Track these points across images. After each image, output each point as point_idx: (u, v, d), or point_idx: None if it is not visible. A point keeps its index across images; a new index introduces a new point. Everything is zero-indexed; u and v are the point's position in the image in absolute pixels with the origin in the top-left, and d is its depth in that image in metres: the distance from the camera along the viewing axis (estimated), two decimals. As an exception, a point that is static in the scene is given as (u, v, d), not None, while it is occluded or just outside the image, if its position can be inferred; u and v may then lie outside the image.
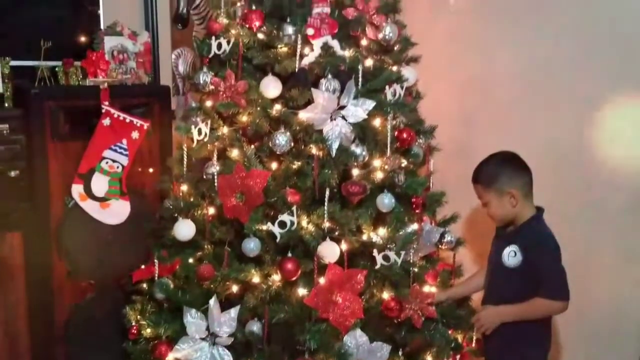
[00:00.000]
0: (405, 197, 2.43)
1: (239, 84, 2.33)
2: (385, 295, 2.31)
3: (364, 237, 2.30)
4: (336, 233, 2.25)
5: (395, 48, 2.55)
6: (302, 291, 2.23)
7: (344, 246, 2.24)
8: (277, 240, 2.21)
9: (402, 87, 2.40)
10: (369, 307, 2.29)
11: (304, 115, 2.26)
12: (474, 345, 2.54)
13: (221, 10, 2.44)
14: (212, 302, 2.23)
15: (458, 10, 3.20)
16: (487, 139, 2.97)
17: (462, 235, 2.67)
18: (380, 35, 2.45)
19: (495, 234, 2.49)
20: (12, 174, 2.54)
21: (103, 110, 2.66)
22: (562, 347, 2.85)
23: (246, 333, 2.27)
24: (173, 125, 2.88)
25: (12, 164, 2.54)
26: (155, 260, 2.46)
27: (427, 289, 2.40)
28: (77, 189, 2.66)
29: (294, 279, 2.22)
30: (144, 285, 2.54)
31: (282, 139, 2.25)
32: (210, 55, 2.39)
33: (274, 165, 2.33)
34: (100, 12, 2.97)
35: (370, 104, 2.28)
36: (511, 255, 2.33)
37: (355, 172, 2.29)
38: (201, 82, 2.38)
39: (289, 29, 2.34)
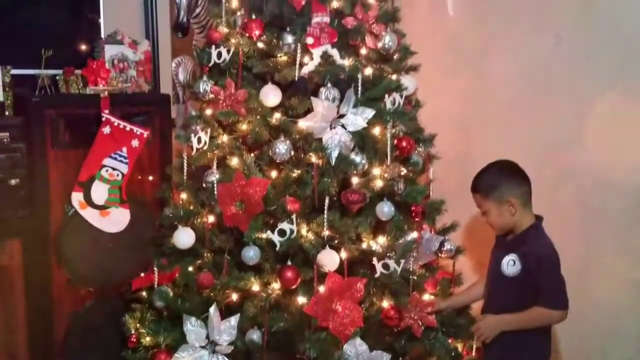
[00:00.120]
0: (405, 206, 2.44)
1: (238, 92, 2.34)
2: (385, 303, 2.31)
3: (364, 246, 2.30)
4: (336, 241, 2.25)
5: (395, 57, 2.56)
6: (301, 299, 2.23)
7: (344, 254, 2.24)
8: (277, 248, 2.22)
9: (401, 96, 2.42)
10: (368, 316, 2.29)
11: (303, 123, 2.26)
12: (474, 354, 2.54)
13: (221, 19, 2.45)
14: (212, 310, 2.23)
15: (457, 19, 3.22)
16: (487, 147, 2.98)
17: (461, 244, 2.67)
18: (380, 44, 2.46)
19: (495, 243, 2.49)
20: (13, 182, 2.54)
21: (103, 119, 2.67)
22: (561, 355, 2.85)
23: (246, 341, 2.27)
24: (173, 134, 2.89)
25: (12, 172, 2.54)
26: (155, 268, 2.46)
27: (426, 297, 2.40)
28: (77, 197, 2.66)
29: (293, 287, 2.22)
30: (144, 293, 2.55)
31: (281, 147, 2.25)
32: (210, 64, 2.40)
33: (274, 174, 2.33)
34: (101, 20, 2.98)
35: (369, 113, 2.29)
36: (510, 264, 2.33)
37: (355, 180, 2.30)
38: (201, 90, 2.40)
39: (289, 38, 2.36)
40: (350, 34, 2.39)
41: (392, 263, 2.27)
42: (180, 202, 2.45)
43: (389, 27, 2.54)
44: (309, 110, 2.28)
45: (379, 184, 2.31)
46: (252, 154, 2.38)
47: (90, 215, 2.68)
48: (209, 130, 2.38)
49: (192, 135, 2.37)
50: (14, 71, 2.62)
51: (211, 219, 2.36)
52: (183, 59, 3.29)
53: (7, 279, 2.58)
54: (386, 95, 2.39)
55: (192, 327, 2.24)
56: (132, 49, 2.93)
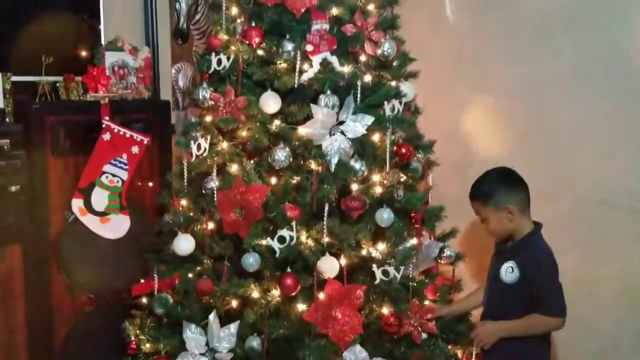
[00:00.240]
0: (405, 212, 2.44)
1: (238, 99, 2.34)
2: (385, 310, 2.31)
3: (364, 252, 2.30)
4: (335, 248, 2.25)
5: (394, 64, 2.56)
6: (301, 306, 2.23)
7: (344, 261, 2.24)
8: (277, 255, 2.22)
9: (400, 103, 2.42)
10: (368, 323, 2.29)
11: (303, 130, 2.27)
12: (473, 360, 2.54)
13: (221, 26, 2.45)
14: (212, 317, 2.23)
15: (456, 26, 3.22)
16: (486, 154, 2.99)
17: (461, 250, 2.67)
18: (379, 51, 2.46)
19: (495, 250, 2.49)
20: (13, 188, 2.54)
21: (103, 125, 2.67)
22: (561, 361, 2.86)
23: (246, 348, 2.27)
24: (173, 140, 2.90)
25: (12, 178, 2.54)
26: (155, 275, 2.47)
27: (427, 303, 2.40)
28: (77, 204, 2.66)
29: (293, 294, 2.22)
30: (144, 300, 2.55)
31: (281, 154, 2.26)
32: (210, 71, 2.41)
33: (274, 180, 2.33)
34: (101, 27, 2.99)
35: (369, 119, 2.30)
36: (509, 272, 2.34)
37: (355, 187, 2.30)
38: (201, 97, 2.40)
39: (288, 45, 2.36)
40: (350, 41, 2.40)
41: (391, 270, 2.27)
42: (180, 208, 2.45)
43: (388, 34, 2.55)
44: (309, 117, 2.28)
45: (378, 190, 2.31)
46: (252, 161, 2.38)
47: (90, 221, 2.68)
48: (208, 137, 2.39)
49: (192, 141, 2.37)
50: (15, 78, 2.62)
51: (211, 225, 2.37)
52: (183, 66, 3.30)
53: (7, 285, 2.57)
54: (385, 102, 2.39)
55: (191, 334, 2.24)
56: (132, 55, 2.94)
